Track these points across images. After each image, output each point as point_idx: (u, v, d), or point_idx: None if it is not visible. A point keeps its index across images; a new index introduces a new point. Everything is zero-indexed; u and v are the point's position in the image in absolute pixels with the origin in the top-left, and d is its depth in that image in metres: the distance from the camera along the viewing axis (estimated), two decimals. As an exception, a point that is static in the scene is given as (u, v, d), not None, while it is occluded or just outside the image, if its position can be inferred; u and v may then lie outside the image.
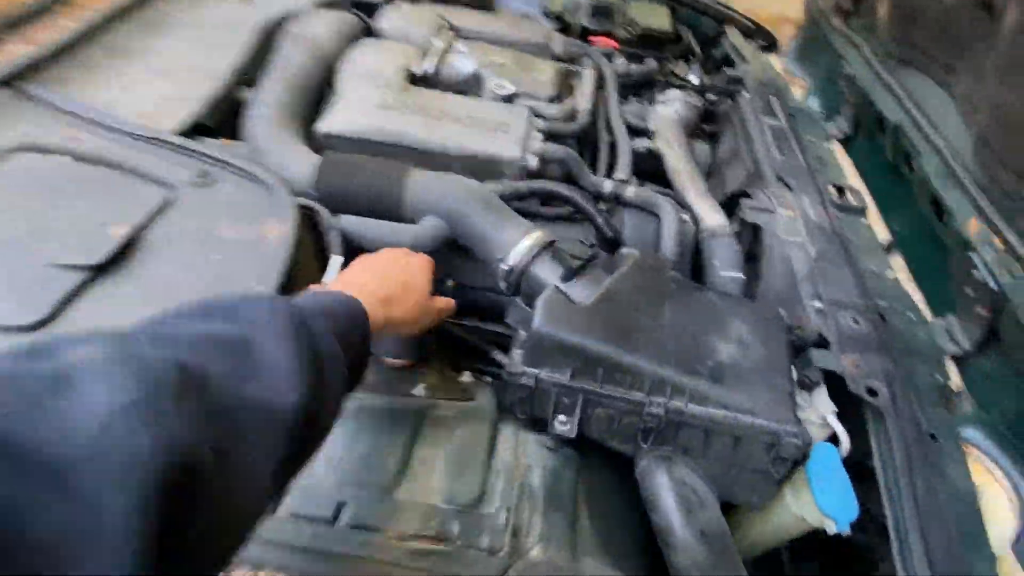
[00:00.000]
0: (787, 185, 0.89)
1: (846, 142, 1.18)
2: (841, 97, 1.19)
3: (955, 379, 0.73)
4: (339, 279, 0.51)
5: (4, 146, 0.59)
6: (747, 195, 0.86)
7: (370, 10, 1.01)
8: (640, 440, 0.58)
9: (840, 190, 0.94)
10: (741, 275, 0.77)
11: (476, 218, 0.67)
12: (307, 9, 0.91)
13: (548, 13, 1.26)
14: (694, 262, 0.79)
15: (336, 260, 0.61)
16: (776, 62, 1.43)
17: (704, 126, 1.10)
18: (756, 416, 0.55)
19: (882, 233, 0.95)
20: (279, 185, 0.60)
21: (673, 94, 0.99)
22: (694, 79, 1.19)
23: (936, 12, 0.89)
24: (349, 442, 0.54)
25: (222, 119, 0.76)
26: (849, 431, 0.61)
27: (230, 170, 0.62)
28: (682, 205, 0.82)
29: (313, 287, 0.47)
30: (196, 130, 0.71)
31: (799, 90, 1.36)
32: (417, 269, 0.56)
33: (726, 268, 0.77)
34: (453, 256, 0.73)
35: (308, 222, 0.62)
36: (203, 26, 0.85)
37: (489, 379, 0.70)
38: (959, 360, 0.74)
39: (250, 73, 0.81)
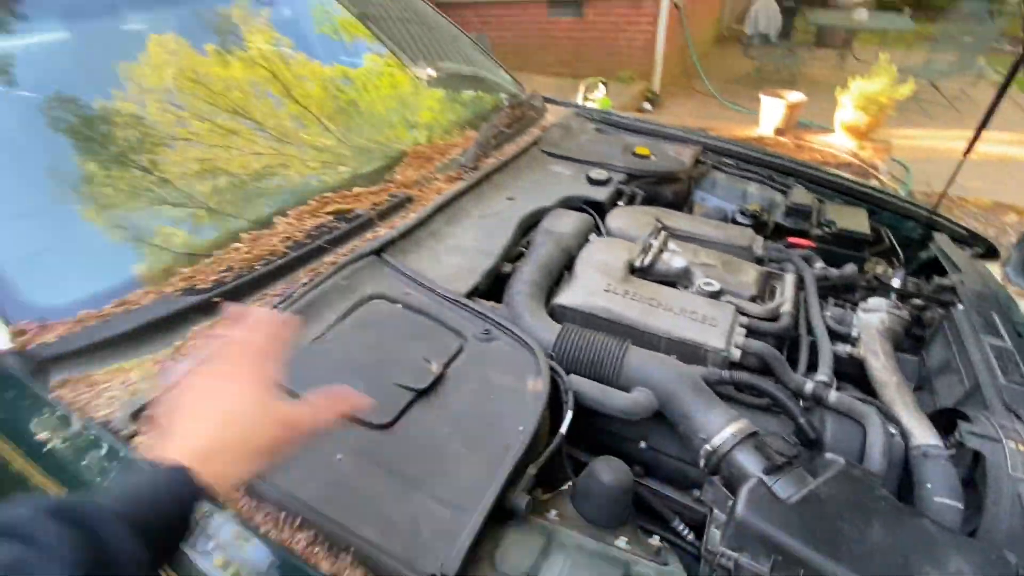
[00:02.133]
0: (1017, 415, 0.85)
1: None
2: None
3: None
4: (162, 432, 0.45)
5: (368, 294, 0.91)
6: (964, 416, 0.83)
7: (598, 207, 1.29)
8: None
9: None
10: (960, 504, 0.73)
11: (685, 397, 0.79)
12: (555, 209, 1.21)
13: (745, 211, 1.43)
14: (900, 482, 0.78)
15: (569, 415, 0.77)
16: (996, 271, 1.37)
17: (914, 331, 1.10)
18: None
19: None
20: (538, 349, 0.81)
21: (877, 302, 1.03)
22: (897, 283, 1.20)
23: None
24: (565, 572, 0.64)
25: (491, 285, 1.03)
26: None
27: (504, 331, 0.85)
28: (888, 418, 0.83)
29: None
30: (474, 292, 0.98)
31: (1019, 294, 1.27)
32: (241, 391, 0.46)
33: (941, 494, 0.74)
34: (649, 420, 0.84)
35: (552, 380, 0.81)
36: (484, 216, 1.18)
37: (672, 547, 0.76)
38: None
39: (512, 252, 1.10)
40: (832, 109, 3.93)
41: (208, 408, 0.45)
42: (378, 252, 0.99)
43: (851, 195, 1.54)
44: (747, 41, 5.95)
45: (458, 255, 1.06)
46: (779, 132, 3.90)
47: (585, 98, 2.49)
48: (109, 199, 0.92)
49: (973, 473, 0.79)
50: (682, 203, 1.54)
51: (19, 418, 0.67)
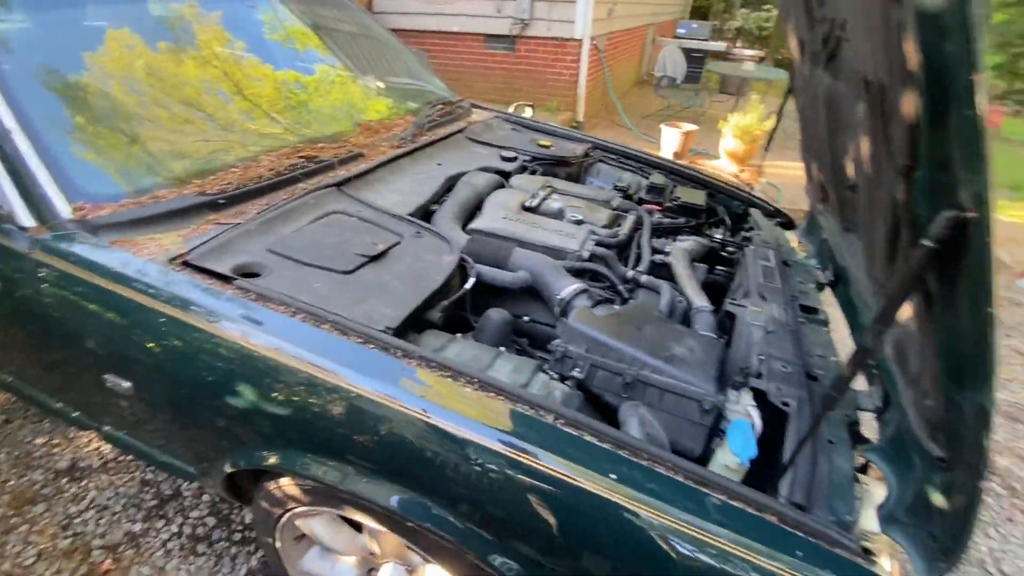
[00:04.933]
0: (762, 296, 1.34)
1: (833, 286, 1.60)
2: (825, 256, 1.64)
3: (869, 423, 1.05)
4: None
5: (331, 209, 1.27)
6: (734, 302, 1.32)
7: (505, 175, 1.72)
8: (622, 393, 1.00)
9: (806, 308, 1.36)
10: (715, 335, 1.19)
11: (547, 273, 1.22)
12: (473, 171, 1.63)
13: (616, 187, 1.92)
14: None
15: (472, 280, 1.17)
16: (791, 236, 1.94)
17: (719, 267, 1.61)
18: (692, 385, 0.96)
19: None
20: (453, 241, 1.20)
21: (685, 237, 1.53)
22: (718, 236, 1.73)
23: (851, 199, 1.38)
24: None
25: (422, 217, 1.42)
26: (773, 431, 0.96)
27: (431, 233, 1.24)
28: (680, 293, 1.30)
29: None
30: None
31: (803, 252, 1.83)
32: None
33: (703, 329, 1.20)
34: (531, 302, 1.25)
35: (461, 262, 1.20)
36: (418, 174, 1.58)
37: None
38: (877, 413, 1.07)
39: (438, 198, 1.50)
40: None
41: None
42: (338, 185, 1.36)
43: (696, 182, 2.08)
44: (656, 83, 6.85)
45: (398, 195, 1.45)
46: (676, 156, 4.62)
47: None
48: (137, 129, 1.23)
49: (731, 328, 1.26)
50: (575, 182, 2.01)
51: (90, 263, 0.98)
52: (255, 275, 1.01)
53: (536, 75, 6.36)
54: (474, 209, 1.49)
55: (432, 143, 1.77)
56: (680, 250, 1.46)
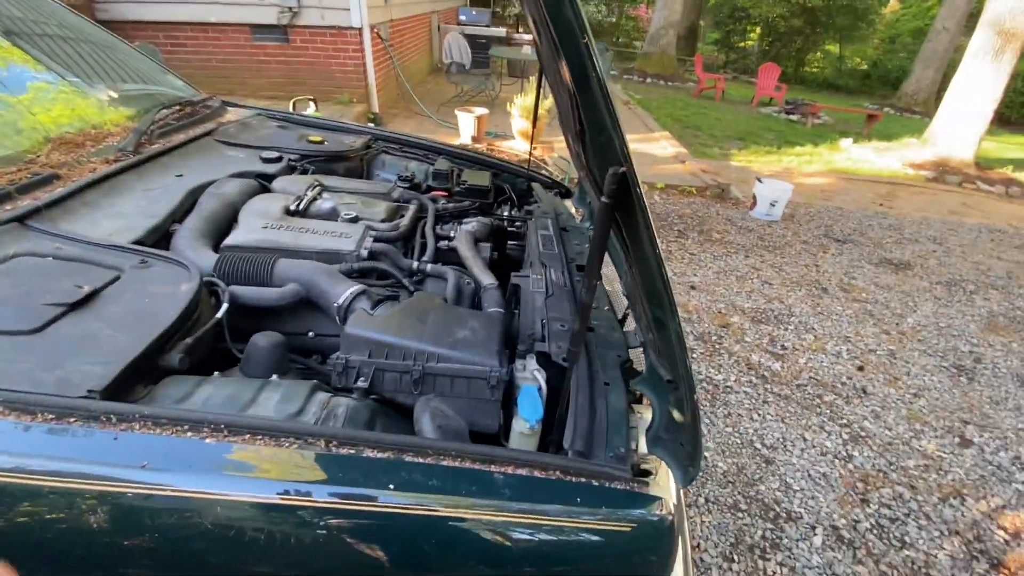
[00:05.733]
0: (543, 264, 1.41)
1: None
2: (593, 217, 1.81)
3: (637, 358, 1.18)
4: None
5: (11, 252, 0.97)
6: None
7: (267, 178, 1.53)
8: (413, 390, 0.96)
9: (581, 268, 1.47)
10: (501, 310, 1.22)
11: (320, 280, 1.11)
12: (224, 178, 1.42)
13: (402, 176, 1.86)
14: (474, 308, 1.24)
15: (225, 306, 1.00)
16: (569, 204, 2.11)
17: (511, 241, 1.67)
18: (476, 365, 0.96)
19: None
20: (191, 265, 1.02)
21: (470, 220, 1.55)
22: (506, 213, 1.79)
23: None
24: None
25: (158, 242, 1.18)
26: (557, 384, 1.01)
27: (161, 260, 1.03)
28: (468, 275, 1.30)
29: None
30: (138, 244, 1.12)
31: (579, 216, 2.01)
32: None
33: (491, 306, 1.22)
34: (313, 314, 1.13)
35: (210, 287, 1.02)
36: (149, 190, 1.31)
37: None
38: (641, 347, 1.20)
39: (180, 216, 1.27)
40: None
41: None
42: (20, 219, 1.05)
43: (480, 163, 2.12)
44: (447, 69, 6.93)
45: (119, 220, 1.18)
46: (475, 140, 4.75)
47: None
48: None
49: (516, 298, 1.31)
50: (357, 178, 1.90)
51: None
52: None
53: (319, 67, 5.93)
54: (228, 223, 1.29)
55: (167, 151, 1.49)
56: (464, 233, 1.47)
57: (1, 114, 1.35)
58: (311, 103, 3.20)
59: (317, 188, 1.46)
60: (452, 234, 1.45)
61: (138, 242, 1.12)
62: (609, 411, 0.96)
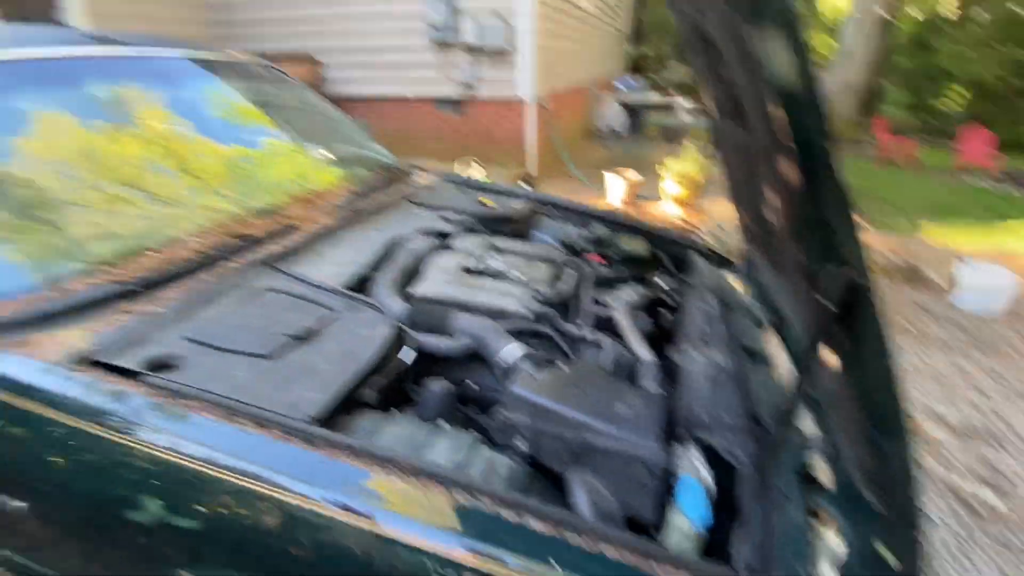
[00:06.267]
0: (705, 342, 1.34)
1: (774, 326, 1.64)
2: (763, 295, 1.69)
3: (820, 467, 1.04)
4: None
5: (263, 287, 1.22)
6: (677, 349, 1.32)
7: (446, 236, 1.72)
8: (569, 460, 0.96)
9: (749, 351, 1.37)
10: (658, 388, 1.18)
11: (488, 337, 1.19)
12: (413, 234, 1.63)
13: (561, 240, 1.95)
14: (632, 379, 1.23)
15: (412, 353, 1.13)
16: (731, 276, 1.99)
17: (663, 310, 1.63)
18: (637, 445, 0.93)
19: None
20: (387, 312, 1.17)
21: (625, 287, 1.55)
22: (661, 283, 1.77)
23: (774, 243, 1.44)
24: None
25: (359, 286, 1.39)
26: (726, 483, 0.93)
27: (364, 304, 1.20)
28: (625, 347, 1.29)
29: None
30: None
31: (744, 292, 1.88)
32: None
33: (649, 383, 1.19)
34: (477, 367, 1.22)
35: (399, 333, 1.16)
36: (356, 242, 1.56)
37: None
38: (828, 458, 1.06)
39: (377, 265, 1.48)
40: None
41: None
42: (269, 262, 1.31)
43: (637, 230, 2.13)
44: (602, 135, 7.21)
45: (334, 266, 1.41)
46: (625, 203, 4.80)
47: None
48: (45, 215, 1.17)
49: (676, 375, 1.26)
50: (522, 239, 2.04)
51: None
52: (170, 368, 0.95)
53: (485, 134, 6.60)
54: (414, 274, 1.47)
55: (372, 210, 1.77)
56: (622, 301, 1.47)
57: (258, 174, 1.74)
58: (473, 164, 3.55)
59: (490, 249, 1.60)
60: (610, 302, 1.47)
61: (347, 286, 1.33)
62: (787, 525, 0.85)
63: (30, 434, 0.87)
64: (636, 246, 1.94)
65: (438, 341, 1.20)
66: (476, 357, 1.23)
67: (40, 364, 0.91)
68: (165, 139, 1.55)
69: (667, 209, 4.90)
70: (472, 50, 6.11)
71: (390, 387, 1.09)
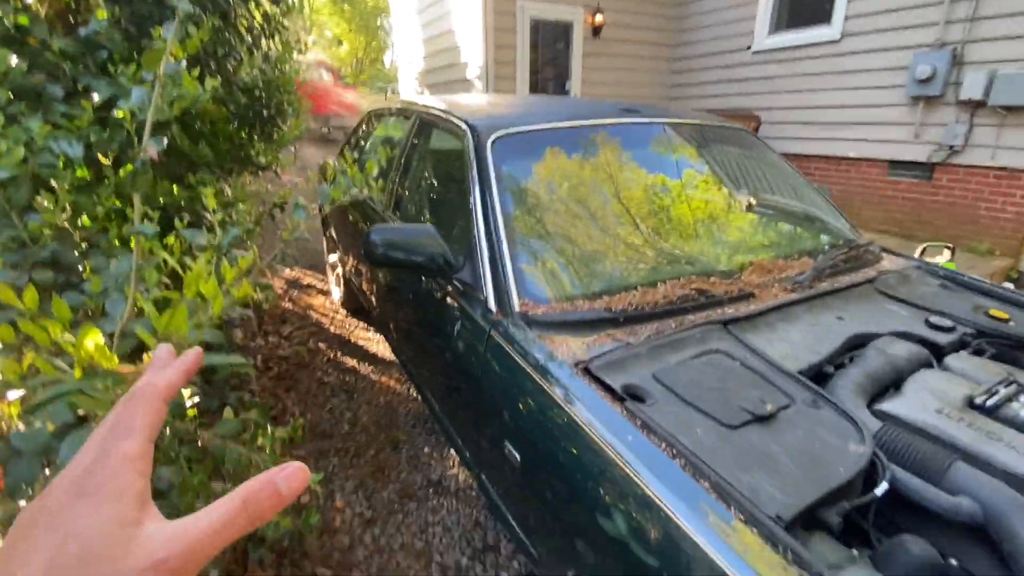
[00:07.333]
0: None
1: None
2: None
3: None
4: None
5: (715, 347, 1.24)
6: None
7: (935, 349, 1.35)
8: None
9: None
10: None
11: (1016, 518, 0.84)
12: (888, 335, 1.35)
13: None
14: None
15: (883, 486, 0.92)
16: None
17: None
18: None
19: None
20: (864, 426, 0.99)
21: None
22: None
23: None
24: None
25: (812, 377, 1.24)
26: None
27: (831, 406, 1.06)
28: None
29: None
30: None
31: None
32: (94, 525, 0.27)
33: None
34: (965, 540, 0.89)
35: (876, 458, 0.97)
36: (814, 325, 1.40)
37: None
38: None
39: (836, 359, 1.29)
40: None
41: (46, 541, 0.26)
42: (725, 323, 1.33)
43: None
44: None
45: (787, 345, 1.31)
46: None
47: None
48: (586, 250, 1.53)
49: None
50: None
51: (523, 349, 1.22)
52: (640, 399, 1.06)
53: (958, 208, 5.10)
54: (887, 386, 1.21)
55: (832, 292, 1.57)
56: None
57: (725, 234, 1.79)
58: (946, 250, 2.74)
59: (1013, 385, 1.16)
60: None
61: (800, 372, 1.21)
62: None
63: (539, 407, 1.14)
64: None
65: (927, 490, 0.93)
66: (970, 528, 0.90)
67: (558, 359, 1.17)
68: (660, 193, 1.80)
69: None
70: (970, 106, 4.79)
71: (848, 515, 0.92)
